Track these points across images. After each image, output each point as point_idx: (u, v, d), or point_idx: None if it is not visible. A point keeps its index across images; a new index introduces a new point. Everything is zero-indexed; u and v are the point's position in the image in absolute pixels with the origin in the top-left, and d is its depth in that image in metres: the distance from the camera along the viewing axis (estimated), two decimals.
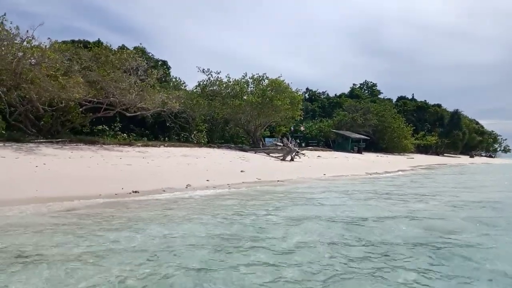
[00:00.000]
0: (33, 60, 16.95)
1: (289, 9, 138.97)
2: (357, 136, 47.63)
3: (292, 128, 44.50)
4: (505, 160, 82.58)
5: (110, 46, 22.40)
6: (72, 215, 7.26)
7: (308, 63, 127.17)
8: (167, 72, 29.80)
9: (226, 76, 29.71)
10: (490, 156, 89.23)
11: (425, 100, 74.10)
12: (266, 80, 29.74)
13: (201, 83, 29.47)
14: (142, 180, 12.13)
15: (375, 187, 15.33)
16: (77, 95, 17.13)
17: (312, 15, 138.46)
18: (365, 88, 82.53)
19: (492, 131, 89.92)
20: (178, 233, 6.34)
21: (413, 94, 79.99)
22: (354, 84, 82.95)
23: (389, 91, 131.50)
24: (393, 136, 51.45)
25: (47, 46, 18.04)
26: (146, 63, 22.18)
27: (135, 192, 10.37)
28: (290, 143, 24.59)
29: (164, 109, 22.58)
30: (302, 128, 47.91)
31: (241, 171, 16.90)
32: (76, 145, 18.81)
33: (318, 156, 31.09)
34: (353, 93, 75.68)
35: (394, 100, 75.01)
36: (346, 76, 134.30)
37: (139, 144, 21.90)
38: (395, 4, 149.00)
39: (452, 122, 68.79)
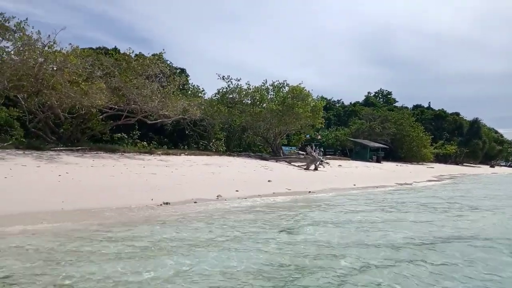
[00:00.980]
0: (54, 66, 16.50)
1: (299, 21, 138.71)
2: (376, 145, 46.45)
3: (308, 136, 43.61)
4: None
5: (133, 51, 21.92)
6: (121, 231, 6.49)
7: (319, 73, 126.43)
8: (187, 79, 29.32)
9: (246, 83, 29.16)
10: (510, 166, 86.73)
11: (442, 109, 72.67)
12: (287, 87, 29.06)
13: (221, 90, 28.90)
14: (168, 190, 11.52)
15: (420, 199, 14.38)
16: (99, 101, 16.59)
17: (323, 27, 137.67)
18: (380, 96, 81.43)
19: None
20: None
21: (429, 102, 78.71)
22: (368, 93, 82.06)
23: (403, 100, 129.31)
24: (412, 145, 50.12)
25: (69, 52, 17.62)
26: (169, 69, 21.66)
27: (166, 203, 9.71)
28: (314, 151, 23.69)
29: (185, 117, 21.98)
30: (318, 137, 46.97)
31: (268, 181, 16.17)
32: (97, 153, 18.25)
33: (339, 165, 30.09)
34: (368, 101, 74.63)
35: (410, 108, 73.69)
36: (358, 85, 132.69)
37: (159, 152, 21.27)
38: (406, 12, 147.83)
39: (471, 131, 67.03)
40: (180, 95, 22.54)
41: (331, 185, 17.04)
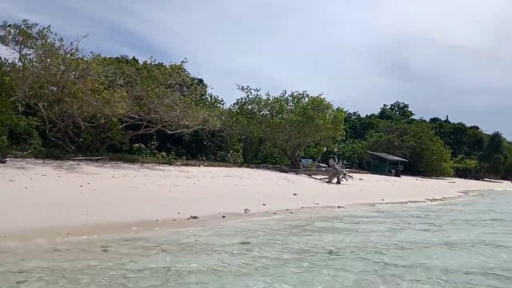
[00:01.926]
0: (76, 74, 16.22)
1: (314, 33, 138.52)
2: (395, 158, 45.27)
3: (325, 148, 42.75)
4: None
5: (155, 60, 21.63)
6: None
7: (333, 85, 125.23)
8: (205, 90, 28.98)
9: (265, 94, 28.62)
10: None
11: (461, 122, 70.98)
12: (306, 98, 28.40)
13: (240, 100, 28.39)
14: (193, 202, 11.03)
15: (462, 214, 13.48)
16: (121, 110, 16.20)
17: (338, 40, 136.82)
18: (396, 109, 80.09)
19: None
20: None
21: (447, 116, 76.98)
22: (384, 105, 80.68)
23: (419, 112, 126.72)
24: (431, 159, 48.68)
25: (91, 60, 17.38)
26: (190, 79, 21.29)
27: (194, 217, 9.12)
28: (337, 164, 22.87)
29: (205, 127, 21.50)
30: (335, 149, 46.01)
31: (294, 194, 15.48)
32: (116, 163, 17.81)
33: (360, 179, 29.16)
34: (384, 114, 73.35)
35: (428, 121, 72.15)
36: (373, 97, 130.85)
37: (178, 163, 20.75)
38: (422, 24, 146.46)
39: (492, 145, 65.15)
40: (201, 105, 22.11)
41: (358, 200, 16.21)
